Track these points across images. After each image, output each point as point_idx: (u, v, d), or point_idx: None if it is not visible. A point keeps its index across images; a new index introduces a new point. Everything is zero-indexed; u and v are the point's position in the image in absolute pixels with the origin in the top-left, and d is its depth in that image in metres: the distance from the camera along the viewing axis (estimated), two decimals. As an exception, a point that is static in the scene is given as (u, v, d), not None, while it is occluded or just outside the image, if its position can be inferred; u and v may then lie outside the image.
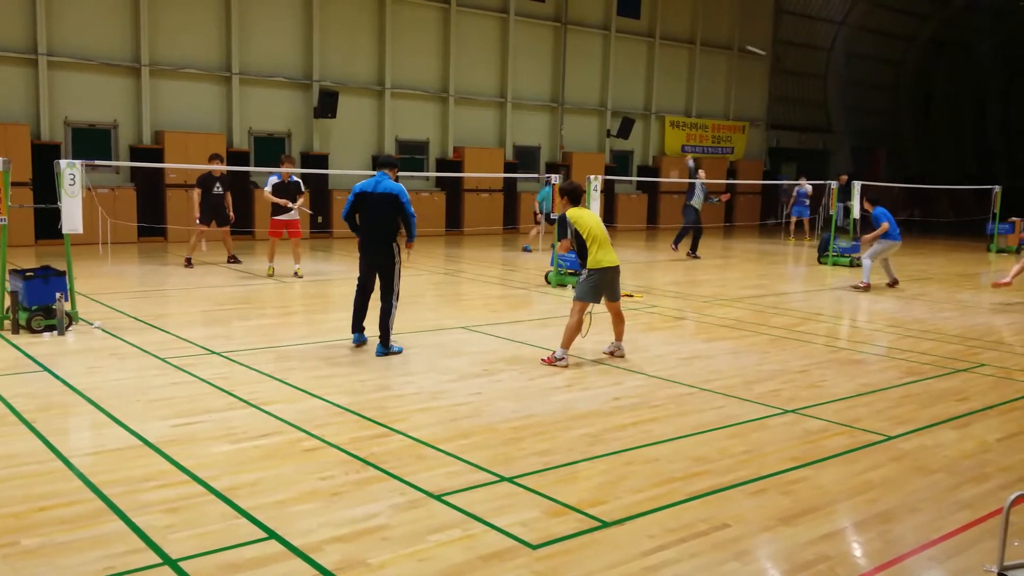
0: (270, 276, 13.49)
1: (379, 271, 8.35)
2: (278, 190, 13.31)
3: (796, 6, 31.50)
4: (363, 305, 8.53)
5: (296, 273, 13.55)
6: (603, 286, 8.17)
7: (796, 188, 23.31)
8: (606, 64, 26.52)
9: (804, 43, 32.20)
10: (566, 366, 7.93)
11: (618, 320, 8.43)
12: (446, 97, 23.16)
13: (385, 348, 8.23)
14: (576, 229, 8.12)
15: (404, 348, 8.41)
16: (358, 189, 8.32)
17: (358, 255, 8.56)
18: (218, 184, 14.37)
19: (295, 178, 13.53)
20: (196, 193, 14.40)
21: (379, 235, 8.25)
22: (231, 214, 14.66)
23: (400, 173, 8.88)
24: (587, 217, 8.27)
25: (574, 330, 8.06)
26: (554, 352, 8.06)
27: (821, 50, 32.96)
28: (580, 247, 8.14)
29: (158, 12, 18.71)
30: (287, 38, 20.54)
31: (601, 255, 8.09)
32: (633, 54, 27.28)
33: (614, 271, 8.22)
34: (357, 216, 8.41)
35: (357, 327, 8.55)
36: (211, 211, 14.38)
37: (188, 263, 14.45)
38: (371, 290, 8.51)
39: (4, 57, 17.14)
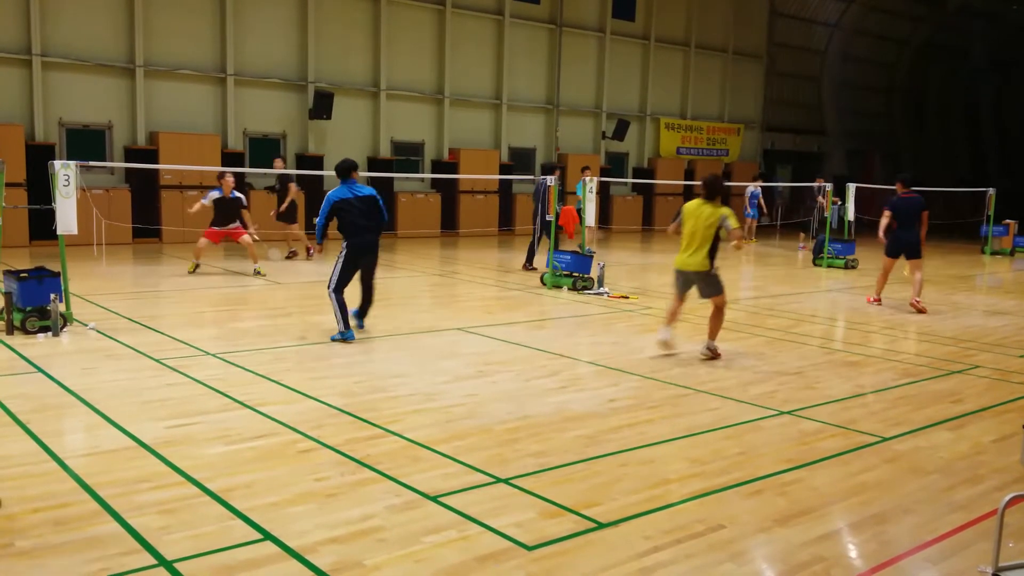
0: (191, 273, 13.52)
1: (368, 266, 9.08)
2: (220, 206, 13.39)
3: (790, 9, 31.56)
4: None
5: (257, 271, 13.56)
6: (681, 285, 8.65)
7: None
8: (601, 66, 26.55)
9: (799, 46, 32.27)
10: (719, 355, 8.50)
11: (713, 315, 8.71)
12: (441, 99, 23.15)
13: (362, 321, 9.22)
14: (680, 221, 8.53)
15: (398, 351, 8.46)
16: (336, 198, 8.78)
17: (344, 260, 8.90)
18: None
19: (236, 193, 13.62)
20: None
21: (373, 233, 8.91)
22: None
23: (395, 175, 9.42)
24: (690, 211, 8.48)
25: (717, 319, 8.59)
26: (707, 344, 8.52)
27: (816, 53, 33.04)
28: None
29: (152, 13, 18.69)
30: (282, 39, 20.52)
31: (679, 255, 8.52)
32: (628, 56, 27.31)
33: (682, 273, 8.60)
34: (339, 221, 8.92)
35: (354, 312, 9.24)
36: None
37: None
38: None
39: (-2, 58, 17.15)
